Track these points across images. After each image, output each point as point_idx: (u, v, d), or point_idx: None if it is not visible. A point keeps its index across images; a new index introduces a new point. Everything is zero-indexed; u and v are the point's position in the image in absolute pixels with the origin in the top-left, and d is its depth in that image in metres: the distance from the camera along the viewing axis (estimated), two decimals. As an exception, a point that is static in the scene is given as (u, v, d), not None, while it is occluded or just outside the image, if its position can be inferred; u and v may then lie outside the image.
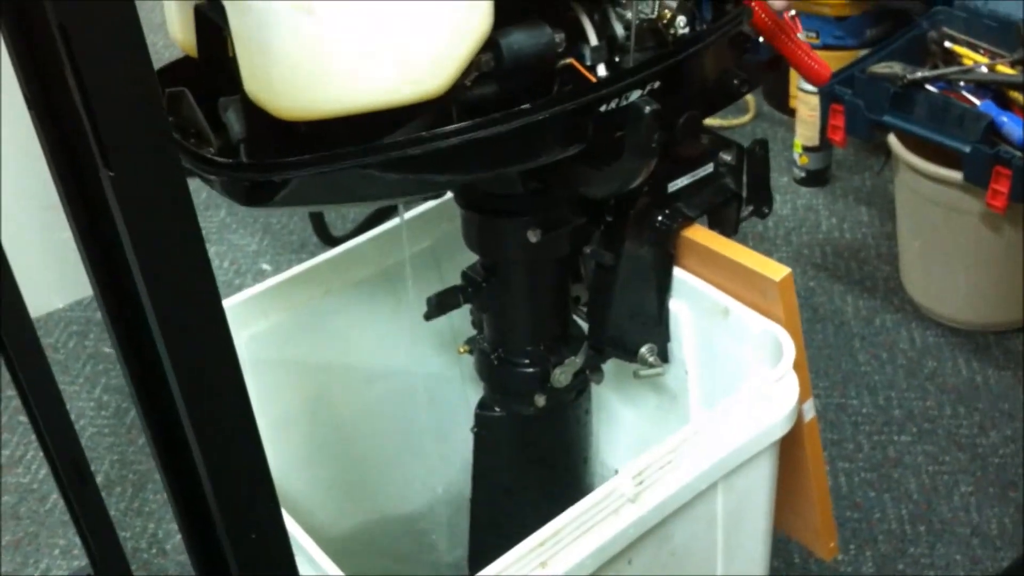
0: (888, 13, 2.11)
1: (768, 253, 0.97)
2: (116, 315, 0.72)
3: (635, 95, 0.83)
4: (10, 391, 1.87)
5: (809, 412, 0.97)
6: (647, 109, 0.81)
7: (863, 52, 1.97)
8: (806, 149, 2.23)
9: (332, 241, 2.30)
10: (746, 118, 2.48)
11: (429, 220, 1.19)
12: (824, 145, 2.20)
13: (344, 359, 1.19)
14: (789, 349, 0.92)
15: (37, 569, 1.65)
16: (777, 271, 0.93)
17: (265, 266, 2.26)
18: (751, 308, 0.96)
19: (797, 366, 0.93)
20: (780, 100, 2.45)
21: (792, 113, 2.30)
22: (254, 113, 0.82)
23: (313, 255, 2.44)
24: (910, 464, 1.68)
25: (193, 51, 0.88)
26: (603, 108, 0.82)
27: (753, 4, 0.91)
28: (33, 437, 1.12)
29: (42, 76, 0.62)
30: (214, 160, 0.80)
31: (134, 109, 0.53)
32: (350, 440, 1.23)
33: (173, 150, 0.55)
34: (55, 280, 2.12)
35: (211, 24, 0.84)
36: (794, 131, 2.26)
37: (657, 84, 0.83)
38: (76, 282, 2.16)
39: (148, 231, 0.57)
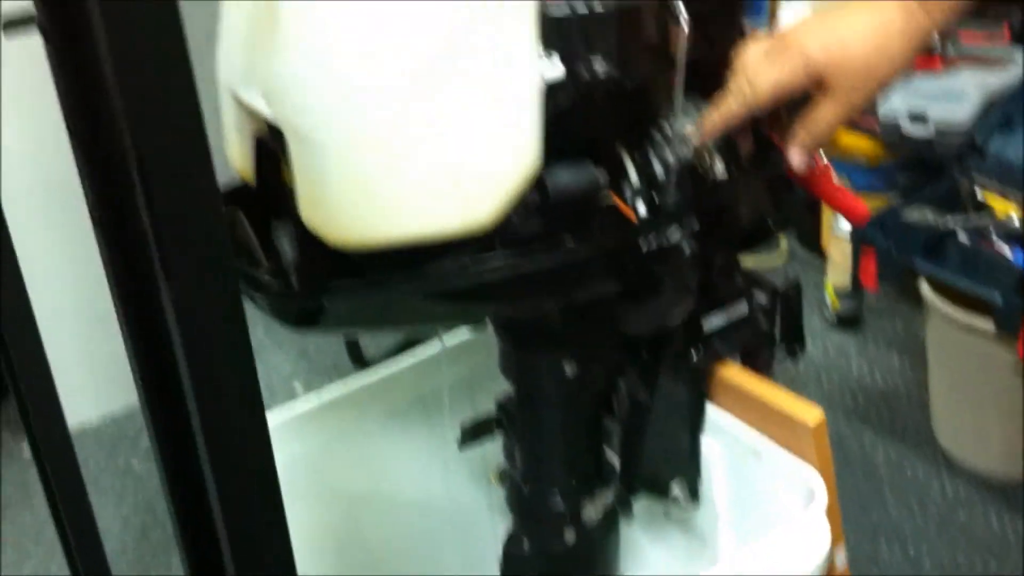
0: (919, 161, 2.15)
1: (798, 395, 0.97)
2: (160, 428, 0.74)
3: (675, 235, 0.85)
4: (37, 500, 1.88)
5: (841, 561, 0.96)
6: (687, 249, 0.83)
7: (894, 198, 2.00)
8: (838, 292, 2.25)
9: (365, 364, 2.32)
10: (779, 259, 2.51)
11: (466, 349, 1.20)
12: (856, 289, 2.22)
13: (376, 485, 1.19)
14: (821, 494, 0.91)
15: None
16: (811, 414, 0.93)
17: (298, 387, 2.27)
18: (784, 450, 0.96)
19: (829, 512, 0.92)
20: (812, 242, 2.48)
21: (824, 255, 2.32)
22: (306, 238, 0.84)
23: (345, 378, 2.44)
24: (941, 618, 1.65)
25: (249, 175, 0.92)
26: (644, 247, 0.84)
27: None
28: (59, 551, 1.13)
29: (109, 195, 0.65)
30: (266, 282, 0.82)
31: (199, 229, 0.55)
32: (378, 567, 1.22)
33: (232, 268, 0.58)
34: (91, 394, 2.14)
35: (270, 152, 0.88)
36: (826, 273, 2.28)
37: (696, 224, 0.86)
38: (110, 397, 2.18)
39: (202, 345, 0.58)
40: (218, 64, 0.88)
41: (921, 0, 0.81)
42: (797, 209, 0.94)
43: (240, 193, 0.93)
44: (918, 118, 1.93)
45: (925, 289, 1.77)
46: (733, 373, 0.99)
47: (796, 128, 0.86)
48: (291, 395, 2.26)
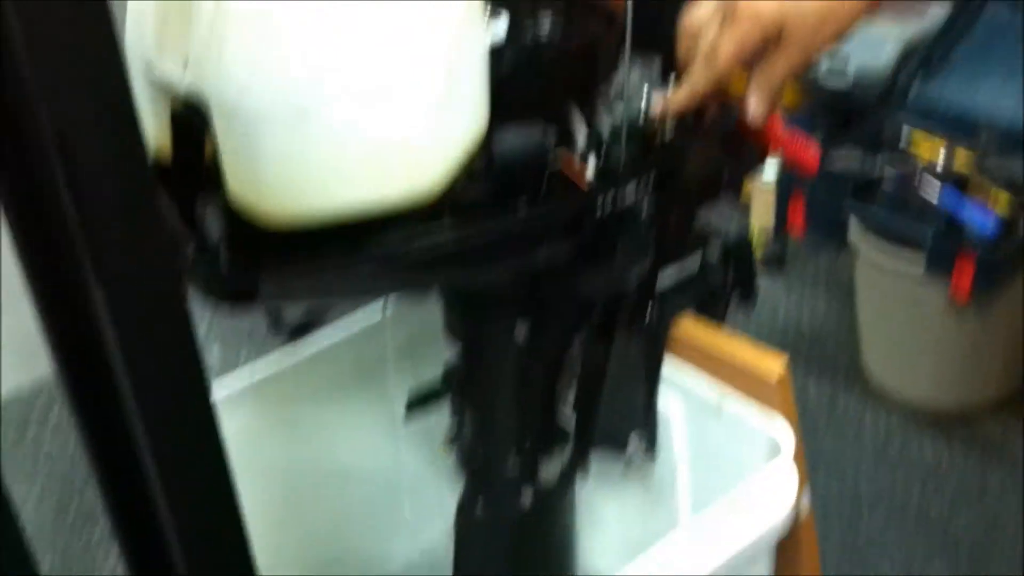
0: (839, 106, 2.14)
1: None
2: (82, 406, 0.68)
3: (630, 195, 0.82)
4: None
5: (805, 505, 0.95)
6: (644, 207, 0.80)
7: (813, 142, 2.00)
8: (762, 235, 2.25)
9: (283, 329, 2.25)
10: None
11: (407, 314, 1.16)
12: (780, 232, 2.21)
13: (317, 462, 1.15)
14: (789, 442, 0.90)
15: None
16: (774, 363, 0.91)
17: (215, 351, 2.21)
18: (746, 401, 0.94)
19: (796, 458, 0.91)
20: (733, 186, 2.47)
21: (745, 204, 2.32)
22: (234, 215, 0.79)
23: (263, 341, 2.38)
24: (882, 546, 1.67)
25: (164, 154, 0.85)
26: (599, 207, 0.81)
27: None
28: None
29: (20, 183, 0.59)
30: (196, 260, 0.77)
31: (133, 217, 0.50)
32: (323, 543, 1.18)
33: (173, 258, 0.53)
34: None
35: (188, 127, 0.82)
36: (747, 222, 2.28)
37: (652, 181, 0.82)
38: (9, 376, 2.09)
39: (142, 345, 0.53)
40: (126, 36, 0.82)
41: None
42: (752, 161, 0.91)
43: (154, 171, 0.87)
44: (837, 65, 1.92)
45: (854, 232, 1.78)
46: (690, 326, 0.97)
47: (753, 80, 0.84)
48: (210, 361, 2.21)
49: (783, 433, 0.91)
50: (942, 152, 1.69)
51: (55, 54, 0.45)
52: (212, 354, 2.20)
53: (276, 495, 1.12)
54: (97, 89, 0.47)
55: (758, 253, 2.28)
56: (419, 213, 0.77)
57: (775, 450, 0.91)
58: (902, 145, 1.74)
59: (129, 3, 0.80)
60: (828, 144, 1.83)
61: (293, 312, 2.26)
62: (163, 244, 0.50)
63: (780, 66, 0.82)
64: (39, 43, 0.45)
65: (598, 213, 0.80)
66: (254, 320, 2.25)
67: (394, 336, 1.14)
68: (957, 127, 1.72)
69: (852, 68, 1.93)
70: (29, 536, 1.14)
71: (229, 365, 2.08)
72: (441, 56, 0.71)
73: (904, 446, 1.84)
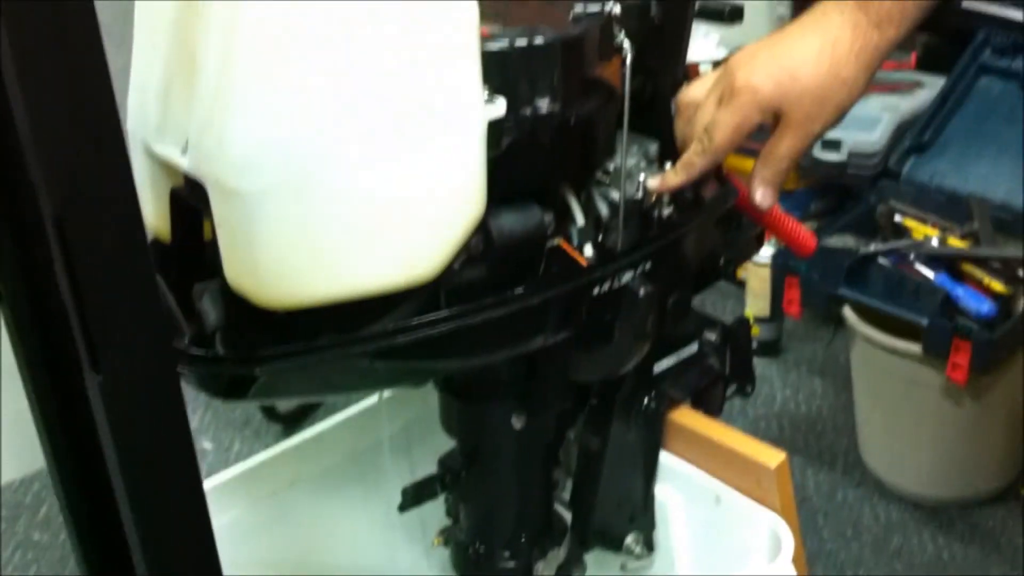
0: (832, 187, 2.16)
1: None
2: (72, 498, 0.66)
3: (627, 276, 0.81)
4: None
5: (808, 603, 0.92)
6: (642, 291, 0.79)
7: (808, 224, 2.01)
8: (757, 320, 2.24)
9: (277, 418, 2.23)
10: (693, 290, 2.49)
11: (401, 402, 1.14)
12: (775, 316, 2.22)
13: (308, 554, 1.12)
14: (788, 542, 0.87)
15: None
16: (772, 457, 0.90)
17: (207, 444, 2.17)
18: (744, 495, 0.92)
19: (795, 558, 0.89)
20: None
21: (740, 284, 2.32)
22: (231, 300, 0.78)
23: (257, 432, 2.34)
24: (885, 644, 1.63)
25: (164, 234, 0.85)
26: (596, 291, 0.80)
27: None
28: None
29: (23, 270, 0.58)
30: (191, 353, 0.75)
31: (130, 306, 0.49)
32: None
33: (169, 349, 0.52)
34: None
35: (188, 208, 0.81)
36: (743, 302, 2.28)
37: (649, 265, 0.82)
38: (8, 465, 2.06)
39: (135, 437, 0.52)
40: (128, 117, 0.82)
41: (868, 13, 0.79)
42: (748, 244, 0.91)
43: (153, 252, 0.86)
44: (831, 144, 1.94)
45: (849, 315, 1.77)
46: (686, 417, 0.96)
47: (757, 165, 0.83)
48: (202, 454, 2.16)
49: (783, 530, 0.89)
50: (934, 235, 1.69)
51: (57, 136, 0.45)
52: (204, 448, 2.17)
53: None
54: (97, 175, 0.47)
55: (755, 336, 2.27)
56: (416, 297, 0.76)
57: (775, 545, 0.89)
58: (894, 227, 1.75)
59: (131, 84, 0.81)
60: (823, 226, 1.84)
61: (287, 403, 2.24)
62: (159, 334, 0.49)
63: (783, 148, 0.81)
64: (41, 127, 0.45)
65: (596, 291, 0.79)
66: (248, 408, 2.23)
67: (390, 422, 1.12)
68: (948, 209, 1.73)
69: (846, 146, 1.95)
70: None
71: (219, 462, 2.05)
72: (441, 137, 0.71)
73: (904, 540, 1.80)
